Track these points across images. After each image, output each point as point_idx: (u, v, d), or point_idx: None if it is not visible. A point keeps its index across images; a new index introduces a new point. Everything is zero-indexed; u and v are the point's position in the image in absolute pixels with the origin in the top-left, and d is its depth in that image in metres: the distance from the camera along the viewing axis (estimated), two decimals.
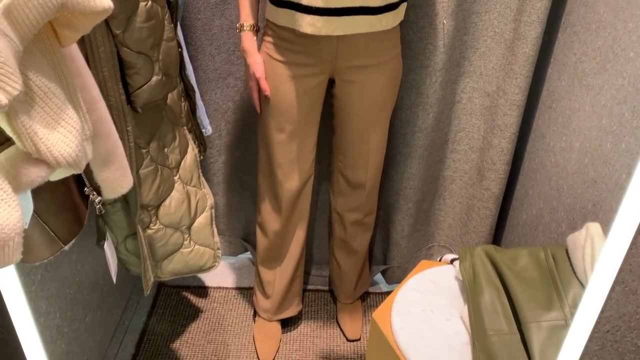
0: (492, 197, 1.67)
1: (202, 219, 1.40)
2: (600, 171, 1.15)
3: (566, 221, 1.29)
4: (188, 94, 1.36)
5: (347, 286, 1.78)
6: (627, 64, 1.08)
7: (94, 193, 1.05)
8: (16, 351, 0.79)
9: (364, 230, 1.68)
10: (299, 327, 1.79)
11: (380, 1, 1.21)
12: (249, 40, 1.32)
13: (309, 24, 1.21)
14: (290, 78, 1.33)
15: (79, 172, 0.67)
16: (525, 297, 1.06)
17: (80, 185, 1.04)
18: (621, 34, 1.11)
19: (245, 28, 1.32)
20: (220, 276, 1.96)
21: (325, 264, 1.92)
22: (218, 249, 1.46)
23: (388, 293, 1.88)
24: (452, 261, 1.30)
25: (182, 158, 1.32)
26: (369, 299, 1.90)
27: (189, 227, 1.38)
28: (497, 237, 1.80)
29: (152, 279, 1.34)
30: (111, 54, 1.00)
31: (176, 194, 1.31)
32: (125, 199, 1.20)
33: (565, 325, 1.00)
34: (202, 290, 1.91)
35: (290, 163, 1.46)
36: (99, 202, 1.08)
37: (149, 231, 1.29)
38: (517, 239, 1.64)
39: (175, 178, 1.31)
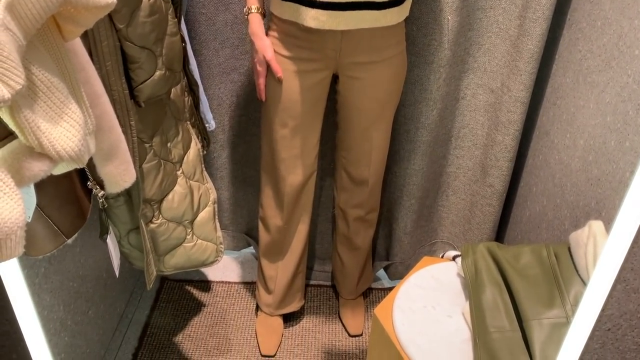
0: (495, 194, 1.66)
1: (205, 214, 1.40)
2: (604, 169, 1.14)
3: (569, 219, 1.29)
4: (191, 88, 1.36)
5: (349, 282, 1.78)
6: (633, 61, 1.08)
7: (97, 187, 1.05)
8: (19, 343, 0.79)
9: (366, 227, 1.68)
10: (301, 322, 1.80)
11: None
12: (256, 22, 1.31)
13: (313, 18, 1.21)
14: (294, 73, 1.33)
15: (81, 167, 0.67)
16: (527, 295, 1.06)
17: (83, 179, 1.05)
18: (627, 31, 1.11)
19: (252, 10, 1.31)
20: (223, 270, 1.97)
21: (328, 259, 1.92)
22: (220, 243, 1.46)
23: (390, 289, 1.88)
24: (454, 258, 1.30)
25: (185, 153, 1.32)
26: (371, 295, 1.90)
27: (192, 222, 1.38)
28: (499, 234, 1.79)
29: (154, 273, 1.35)
30: (114, 49, 1.00)
31: (179, 189, 1.31)
32: (128, 193, 1.20)
33: (566, 322, 1.00)
34: (204, 285, 1.92)
35: (293, 158, 1.46)
36: (102, 196, 1.08)
37: (152, 225, 1.29)
38: (519, 236, 1.64)
39: (178, 172, 1.32)
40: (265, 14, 1.34)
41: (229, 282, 1.93)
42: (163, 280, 1.92)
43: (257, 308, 1.79)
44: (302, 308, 1.80)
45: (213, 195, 1.43)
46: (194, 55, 1.54)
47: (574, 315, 0.97)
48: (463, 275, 1.20)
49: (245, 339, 1.74)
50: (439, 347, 1.10)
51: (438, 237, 1.91)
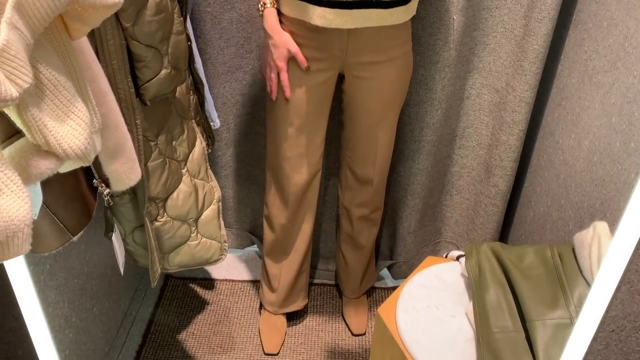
0: (500, 194, 1.66)
1: (210, 212, 1.41)
2: (608, 170, 1.14)
3: (573, 219, 1.29)
4: (197, 87, 1.36)
5: (353, 281, 1.78)
6: (638, 62, 1.07)
7: (103, 185, 1.05)
8: (25, 340, 0.80)
9: (370, 226, 1.68)
10: (304, 321, 1.80)
11: None
12: (273, 17, 1.28)
13: (319, 16, 1.21)
14: (301, 72, 1.33)
15: (88, 165, 0.68)
16: (531, 295, 1.05)
17: (89, 177, 1.05)
18: (633, 31, 1.10)
19: (267, 5, 1.28)
20: (227, 269, 1.97)
21: (331, 258, 1.92)
22: (225, 241, 1.47)
23: (394, 288, 1.88)
24: (458, 258, 1.30)
25: (190, 151, 1.33)
26: (374, 294, 1.90)
27: (196, 220, 1.38)
28: (503, 234, 1.79)
29: (159, 271, 1.35)
30: (120, 47, 1.01)
31: (184, 187, 1.32)
32: (133, 191, 1.21)
33: (570, 323, 1.00)
34: (208, 283, 1.92)
35: (298, 157, 1.46)
36: (107, 194, 1.09)
37: (157, 223, 1.29)
38: (523, 236, 1.64)
39: (183, 171, 1.32)
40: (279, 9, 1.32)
41: (233, 280, 1.93)
42: (167, 278, 1.93)
43: (261, 306, 1.80)
44: (306, 307, 1.81)
45: (217, 193, 1.43)
46: (199, 54, 1.55)
47: (577, 316, 0.97)
48: (467, 275, 1.20)
49: (249, 337, 1.74)
50: (442, 347, 1.10)
51: (442, 237, 1.91)
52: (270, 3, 1.28)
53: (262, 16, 1.30)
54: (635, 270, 0.67)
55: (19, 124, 0.59)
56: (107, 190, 1.06)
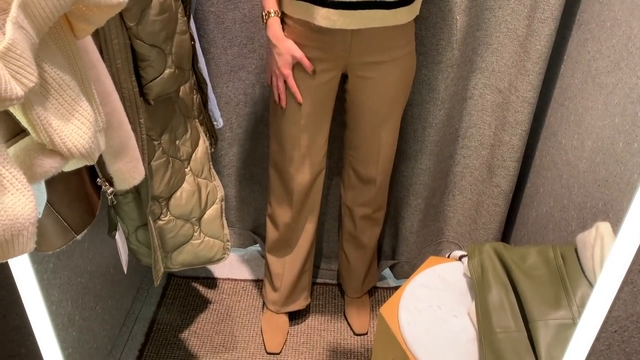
0: (502, 194, 1.66)
1: (212, 211, 1.41)
2: (611, 170, 1.14)
3: (576, 220, 1.29)
4: (200, 86, 1.36)
5: (355, 280, 1.78)
6: None
7: (106, 184, 1.06)
8: (28, 338, 0.80)
9: (373, 225, 1.68)
10: (306, 320, 1.80)
11: None
12: (277, 26, 1.29)
13: (323, 17, 1.21)
14: (304, 72, 1.33)
15: (92, 164, 0.68)
16: (533, 295, 1.05)
17: (92, 176, 1.06)
18: (636, 32, 1.10)
19: (272, 15, 1.29)
20: (230, 268, 1.98)
21: (334, 258, 1.93)
22: (228, 241, 1.47)
23: (396, 288, 1.88)
24: (460, 258, 1.30)
25: (193, 150, 1.33)
26: (376, 294, 1.90)
27: (199, 219, 1.39)
28: (506, 234, 1.79)
29: (162, 270, 1.36)
30: (124, 47, 1.01)
31: (187, 186, 1.32)
32: (136, 190, 1.21)
33: (572, 324, 1.00)
34: (211, 282, 1.92)
35: (302, 157, 1.46)
36: (111, 193, 1.09)
37: (160, 222, 1.30)
38: (526, 236, 1.63)
39: (187, 170, 1.32)
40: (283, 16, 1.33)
41: (236, 280, 1.93)
42: (170, 276, 1.93)
43: (264, 305, 1.80)
44: (308, 306, 1.81)
45: (220, 192, 1.43)
46: (203, 53, 1.55)
47: (580, 316, 0.97)
48: (469, 275, 1.20)
49: (251, 336, 1.74)
50: (445, 347, 1.10)
51: (444, 237, 1.91)
52: (274, 12, 1.29)
53: (265, 25, 1.31)
54: (638, 271, 0.67)
55: (24, 122, 0.59)
56: (111, 189, 1.06)
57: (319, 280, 1.94)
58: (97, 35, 0.95)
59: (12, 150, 0.61)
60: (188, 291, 1.89)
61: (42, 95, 0.60)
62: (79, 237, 1.00)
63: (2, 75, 0.50)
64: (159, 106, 1.17)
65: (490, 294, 1.11)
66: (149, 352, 1.68)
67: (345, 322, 1.80)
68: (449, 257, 1.36)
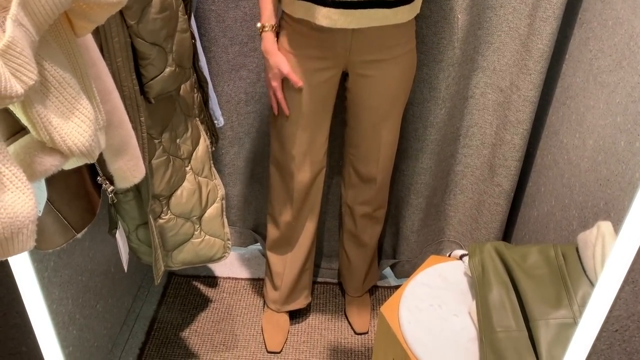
0: (503, 193, 1.66)
1: (213, 210, 1.41)
2: (613, 169, 1.14)
3: (577, 219, 1.29)
4: (201, 85, 1.36)
5: (356, 279, 1.78)
6: None
7: (107, 182, 1.06)
8: (29, 336, 0.80)
9: (373, 224, 1.68)
10: (307, 319, 1.80)
11: None
12: (270, 41, 1.32)
13: (324, 17, 1.21)
14: (305, 71, 1.33)
15: (92, 162, 0.68)
16: (534, 295, 1.05)
17: (93, 174, 1.06)
18: (638, 31, 1.10)
19: (267, 29, 1.32)
20: (230, 267, 1.98)
21: (334, 257, 1.92)
22: (228, 239, 1.47)
23: (396, 287, 1.88)
24: (461, 257, 1.30)
25: (194, 149, 1.33)
26: (377, 293, 1.90)
27: (200, 218, 1.39)
28: (507, 233, 1.79)
29: (162, 268, 1.36)
30: (125, 45, 1.01)
31: (187, 185, 1.32)
32: (137, 189, 1.21)
33: (573, 323, 0.99)
34: (211, 280, 1.93)
35: (302, 155, 1.46)
36: (111, 192, 1.09)
37: (160, 221, 1.30)
38: (527, 236, 1.63)
39: (187, 169, 1.32)
40: (279, 31, 1.34)
41: (236, 278, 1.94)
42: (170, 275, 1.93)
43: (264, 304, 1.80)
44: (308, 305, 1.81)
45: (221, 191, 1.43)
46: (204, 52, 1.55)
47: (581, 316, 0.97)
48: (470, 275, 1.20)
49: (252, 335, 1.74)
50: (445, 346, 1.10)
51: (445, 236, 1.91)
52: (270, 27, 1.31)
53: (260, 37, 1.34)
54: (639, 270, 0.67)
55: (24, 120, 0.59)
56: (111, 187, 1.06)
57: (319, 279, 1.94)
58: (97, 33, 0.95)
59: (12, 148, 0.61)
60: (189, 290, 1.89)
61: (42, 93, 0.60)
62: (79, 235, 1.00)
63: (2, 73, 0.50)
64: (159, 105, 1.17)
65: (491, 293, 1.10)
66: (150, 350, 1.68)
67: (346, 321, 1.80)
68: (449, 256, 1.36)
